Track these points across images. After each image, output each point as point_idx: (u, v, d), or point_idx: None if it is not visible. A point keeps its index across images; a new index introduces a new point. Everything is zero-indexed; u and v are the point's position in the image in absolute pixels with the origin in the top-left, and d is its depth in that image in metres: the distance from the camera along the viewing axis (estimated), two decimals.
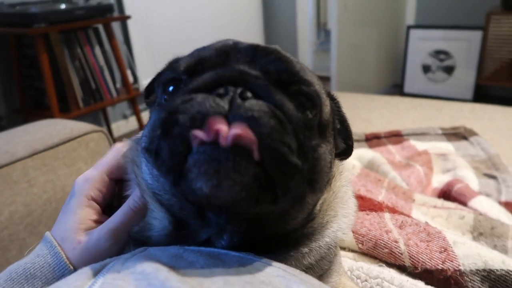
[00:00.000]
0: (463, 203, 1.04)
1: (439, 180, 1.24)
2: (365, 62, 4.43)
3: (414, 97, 2.25)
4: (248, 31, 4.62)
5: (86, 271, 0.41)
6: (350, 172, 0.60)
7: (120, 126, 3.55)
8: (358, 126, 1.73)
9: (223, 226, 0.44)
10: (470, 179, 1.21)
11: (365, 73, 4.47)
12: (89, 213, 0.52)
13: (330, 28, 4.36)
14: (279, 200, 0.40)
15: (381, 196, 0.92)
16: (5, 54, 2.63)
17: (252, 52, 0.45)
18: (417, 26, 4.15)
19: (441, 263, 0.68)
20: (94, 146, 1.07)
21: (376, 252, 0.74)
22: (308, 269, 0.49)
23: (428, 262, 0.69)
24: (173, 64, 0.49)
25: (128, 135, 0.58)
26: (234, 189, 0.36)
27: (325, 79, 4.50)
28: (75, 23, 2.53)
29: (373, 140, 1.56)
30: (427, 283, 0.66)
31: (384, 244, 0.73)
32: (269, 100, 0.40)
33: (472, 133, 1.56)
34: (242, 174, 0.36)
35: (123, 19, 3.17)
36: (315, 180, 0.44)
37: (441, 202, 1.02)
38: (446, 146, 1.49)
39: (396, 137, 1.58)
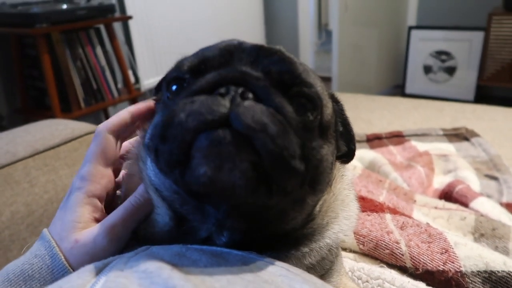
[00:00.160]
0: (464, 204, 1.04)
1: (440, 181, 1.24)
2: (366, 63, 4.43)
3: (415, 98, 2.24)
4: (249, 31, 4.62)
5: (88, 269, 0.41)
6: (352, 174, 0.60)
7: None
8: (359, 127, 1.73)
9: (222, 221, 0.44)
10: (471, 180, 1.21)
11: (366, 74, 4.47)
12: (89, 210, 0.50)
13: (331, 29, 4.36)
14: (273, 196, 0.40)
15: (382, 197, 0.92)
16: (7, 54, 2.64)
17: (256, 53, 0.45)
18: (419, 27, 4.15)
19: (442, 264, 0.68)
20: None
21: (377, 253, 0.74)
22: (309, 269, 0.50)
23: (429, 263, 0.69)
24: (179, 63, 0.49)
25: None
26: (234, 173, 0.37)
27: (326, 80, 4.50)
28: (76, 23, 2.53)
29: (374, 140, 1.56)
30: (428, 284, 0.66)
31: (385, 245, 0.73)
32: (268, 102, 0.40)
33: (474, 134, 1.56)
34: (241, 160, 0.37)
35: (125, 19, 3.17)
36: (317, 181, 0.45)
37: (442, 203, 1.02)
38: (447, 147, 1.49)
39: (397, 137, 1.58)
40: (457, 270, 0.67)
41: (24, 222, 0.90)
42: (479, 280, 0.66)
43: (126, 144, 0.57)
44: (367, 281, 0.66)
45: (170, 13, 3.68)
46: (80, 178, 0.51)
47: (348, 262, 0.70)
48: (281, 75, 0.43)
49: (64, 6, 2.48)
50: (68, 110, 2.60)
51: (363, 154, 1.32)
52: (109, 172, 0.53)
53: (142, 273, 0.38)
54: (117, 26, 3.25)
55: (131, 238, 0.50)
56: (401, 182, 1.16)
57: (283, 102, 0.41)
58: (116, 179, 0.56)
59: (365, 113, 1.93)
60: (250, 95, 0.40)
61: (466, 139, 1.55)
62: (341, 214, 0.53)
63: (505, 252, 0.79)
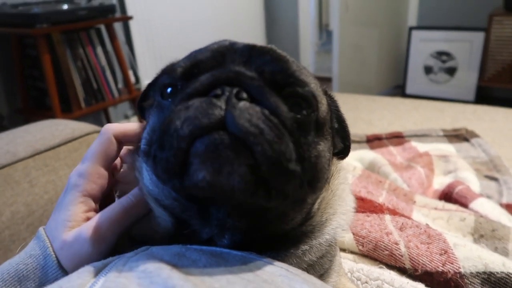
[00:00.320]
0: (464, 205, 1.04)
1: (440, 182, 1.24)
2: (367, 63, 4.43)
3: (415, 98, 2.24)
4: (250, 32, 4.62)
5: (88, 269, 0.41)
6: (347, 170, 0.60)
7: None
8: (359, 127, 1.73)
9: (224, 222, 0.44)
10: (471, 181, 1.21)
11: (366, 74, 4.46)
12: (82, 210, 0.49)
13: (332, 29, 4.36)
14: (272, 200, 0.40)
15: (381, 197, 0.92)
16: (7, 54, 2.64)
17: (248, 53, 0.45)
18: (419, 27, 4.15)
19: (442, 265, 0.68)
20: None
21: (376, 254, 0.74)
22: (309, 267, 0.50)
23: (429, 264, 0.69)
24: (169, 68, 0.49)
25: None
26: (233, 176, 0.37)
27: (327, 80, 4.50)
28: (77, 23, 2.54)
29: (374, 141, 1.56)
30: (427, 285, 0.66)
31: (384, 246, 0.73)
32: (263, 102, 0.40)
33: (474, 134, 1.56)
34: (239, 164, 0.37)
35: (125, 19, 3.18)
36: (316, 179, 0.45)
37: (442, 204, 1.02)
38: (448, 148, 1.49)
39: (397, 138, 1.58)
40: (456, 271, 0.67)
41: (24, 222, 0.90)
42: (478, 281, 0.66)
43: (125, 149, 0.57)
44: (366, 282, 0.66)
45: (171, 13, 3.69)
46: (77, 175, 0.51)
47: (348, 263, 0.70)
48: (274, 75, 0.43)
49: (65, 7, 2.49)
50: (68, 110, 2.60)
51: (363, 154, 1.32)
52: (106, 173, 0.52)
53: (141, 273, 0.38)
54: (118, 26, 3.25)
55: (128, 240, 0.50)
56: (401, 182, 1.16)
57: (278, 101, 0.41)
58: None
59: (366, 113, 1.93)
60: (245, 95, 0.40)
61: (466, 140, 1.55)
62: (339, 210, 0.53)
63: (505, 253, 0.79)
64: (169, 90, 0.45)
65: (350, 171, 1.06)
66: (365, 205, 0.85)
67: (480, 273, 0.66)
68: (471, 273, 0.67)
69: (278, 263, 0.43)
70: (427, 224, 0.79)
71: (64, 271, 0.47)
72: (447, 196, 1.12)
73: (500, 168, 1.32)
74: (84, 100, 2.69)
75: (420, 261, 0.69)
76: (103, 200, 0.54)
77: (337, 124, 0.54)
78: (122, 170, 0.58)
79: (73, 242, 0.47)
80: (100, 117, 3.29)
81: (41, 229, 0.51)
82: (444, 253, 0.70)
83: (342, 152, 0.56)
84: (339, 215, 0.53)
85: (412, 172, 1.23)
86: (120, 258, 0.43)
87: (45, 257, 0.47)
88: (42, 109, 2.68)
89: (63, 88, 2.55)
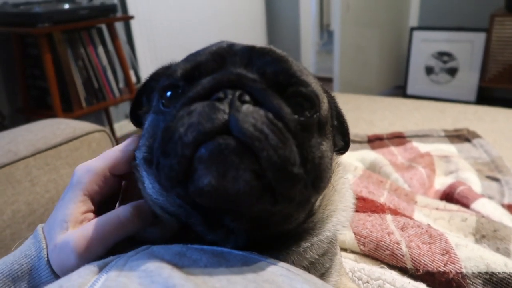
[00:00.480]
0: (466, 206, 1.04)
1: (441, 182, 1.24)
2: (368, 63, 4.42)
3: (416, 99, 2.24)
4: (251, 32, 4.62)
5: (89, 268, 0.41)
6: (346, 167, 0.60)
7: (123, 126, 3.56)
8: (360, 128, 1.73)
9: (228, 228, 0.44)
10: (473, 181, 1.21)
11: (368, 75, 4.46)
12: (81, 210, 0.48)
13: (333, 29, 4.36)
14: (278, 204, 0.40)
15: (383, 197, 0.92)
16: (9, 53, 2.64)
17: (248, 54, 0.44)
18: (420, 28, 4.14)
19: (443, 265, 0.68)
20: (96, 146, 1.08)
21: (377, 254, 0.73)
22: (310, 265, 0.50)
23: (430, 264, 0.68)
24: (164, 71, 0.48)
25: (130, 135, 0.57)
26: (238, 181, 0.37)
27: (328, 80, 4.50)
28: (78, 23, 2.54)
29: (375, 141, 1.56)
30: (428, 285, 0.66)
31: (385, 246, 0.73)
32: (266, 105, 0.40)
33: (475, 135, 1.55)
34: (244, 168, 0.37)
35: (126, 19, 3.18)
36: (320, 179, 0.45)
37: (443, 204, 1.01)
38: (449, 148, 1.49)
39: (398, 138, 1.58)
40: (458, 271, 0.67)
41: (25, 221, 0.90)
42: (480, 281, 0.66)
43: None
44: (367, 282, 0.65)
45: (172, 13, 3.69)
46: (84, 170, 0.49)
47: (349, 262, 0.70)
48: (276, 75, 0.43)
49: (66, 6, 2.49)
50: (69, 109, 2.60)
51: (364, 154, 1.32)
52: (113, 179, 0.51)
53: (142, 272, 0.38)
54: (119, 26, 3.25)
55: (128, 239, 0.48)
56: (402, 183, 1.16)
57: (281, 104, 0.41)
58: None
59: (367, 113, 1.93)
60: (248, 98, 0.40)
61: (468, 140, 1.55)
62: (339, 206, 0.53)
63: (506, 253, 0.79)
64: (168, 93, 0.44)
65: (351, 171, 1.06)
66: (366, 205, 0.85)
67: (482, 274, 0.66)
68: (473, 273, 0.66)
69: (279, 263, 0.43)
70: (428, 224, 0.79)
71: (56, 275, 0.46)
72: (449, 196, 1.12)
73: (502, 169, 1.32)
74: (85, 100, 2.69)
75: (422, 261, 0.69)
76: (101, 207, 0.52)
77: (336, 121, 0.54)
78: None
79: (61, 249, 0.45)
80: (101, 116, 3.29)
81: (39, 227, 0.49)
82: (446, 253, 0.70)
83: (342, 149, 0.56)
84: (339, 211, 0.53)
85: (414, 173, 1.22)
86: (121, 257, 0.42)
87: (39, 259, 0.46)
88: (43, 108, 2.69)
89: (64, 87, 2.56)
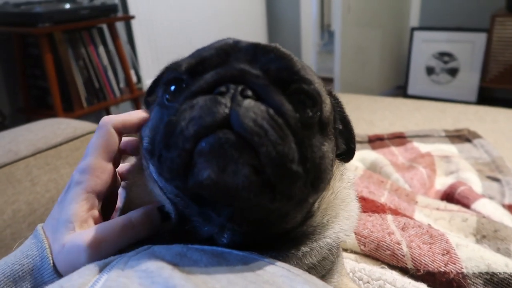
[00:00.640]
0: (466, 206, 1.04)
1: (442, 182, 1.24)
2: (368, 64, 4.42)
3: (417, 99, 2.24)
4: (252, 32, 4.62)
5: (89, 268, 0.41)
6: (353, 174, 0.59)
7: None
8: (361, 128, 1.73)
9: (224, 224, 0.44)
10: (474, 181, 1.21)
11: (368, 75, 4.46)
12: (84, 208, 0.47)
13: (334, 30, 4.36)
14: (276, 200, 0.40)
15: (383, 197, 0.92)
16: (9, 53, 2.64)
17: (252, 51, 0.45)
18: (421, 28, 4.14)
19: (444, 265, 0.68)
20: None
21: (378, 254, 0.73)
22: (310, 269, 0.49)
23: (431, 264, 0.68)
24: (174, 65, 0.48)
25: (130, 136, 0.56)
26: (237, 175, 0.37)
27: (329, 80, 4.50)
28: (79, 23, 2.54)
29: (376, 141, 1.56)
30: (429, 286, 0.66)
31: (386, 246, 0.73)
32: (268, 100, 0.40)
33: (476, 135, 1.55)
34: (243, 163, 0.37)
35: (127, 19, 3.18)
36: (319, 179, 0.45)
37: (444, 204, 1.01)
38: (450, 148, 1.49)
39: (399, 139, 1.57)
40: (459, 271, 0.67)
41: (25, 220, 0.91)
42: (481, 281, 0.66)
43: (125, 139, 0.55)
44: (368, 282, 0.65)
45: (173, 13, 3.69)
46: (80, 171, 0.49)
47: (349, 263, 0.70)
48: (279, 72, 0.43)
49: (67, 6, 2.49)
50: (70, 109, 2.60)
51: (364, 155, 1.32)
52: (110, 166, 0.50)
53: (143, 273, 0.38)
54: (120, 26, 3.25)
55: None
56: (403, 183, 1.16)
57: (283, 100, 0.41)
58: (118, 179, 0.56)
59: (367, 114, 1.93)
60: (250, 93, 0.40)
61: (468, 140, 1.54)
62: (342, 214, 0.53)
63: (507, 254, 0.79)
64: (173, 88, 0.45)
65: (352, 171, 1.06)
66: (367, 205, 0.85)
67: (482, 274, 0.66)
68: (474, 273, 0.66)
69: (280, 263, 0.43)
70: (429, 224, 0.79)
71: (60, 275, 0.45)
72: (449, 196, 1.12)
73: (503, 169, 1.32)
74: (86, 100, 2.69)
75: (422, 261, 0.69)
76: (110, 195, 0.53)
77: (342, 126, 0.54)
78: (124, 164, 0.57)
79: (70, 250, 0.45)
80: (102, 116, 3.27)
81: (39, 227, 0.49)
82: (447, 253, 0.70)
83: (346, 154, 0.55)
84: (341, 219, 0.53)
85: (414, 173, 1.22)
86: (122, 257, 0.42)
87: (41, 259, 0.46)
88: (43, 108, 2.69)
89: (65, 87, 2.56)
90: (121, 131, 0.52)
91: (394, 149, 1.49)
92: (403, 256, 0.71)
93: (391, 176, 1.19)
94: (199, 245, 0.44)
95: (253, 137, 0.37)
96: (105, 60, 2.81)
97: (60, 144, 1.01)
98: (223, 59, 0.45)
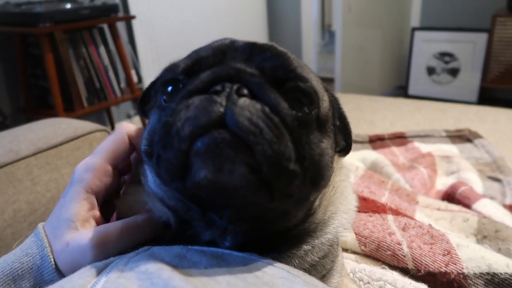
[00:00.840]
0: (467, 206, 1.04)
1: (443, 183, 1.24)
2: (369, 64, 4.42)
3: (418, 99, 2.24)
4: (252, 32, 4.62)
5: (89, 269, 0.41)
6: (349, 169, 0.59)
7: None
8: (361, 128, 1.73)
9: (225, 227, 0.44)
10: (474, 181, 1.21)
11: (369, 75, 4.46)
12: (85, 208, 0.48)
13: (335, 30, 4.36)
14: (275, 199, 0.40)
15: (384, 197, 0.92)
16: (10, 53, 2.64)
17: (249, 50, 0.45)
18: (422, 28, 4.14)
19: (445, 266, 0.68)
20: (97, 146, 1.08)
21: (378, 254, 0.73)
22: (311, 268, 0.49)
23: (431, 264, 0.68)
24: (171, 66, 0.49)
25: None
26: (234, 174, 0.37)
27: (329, 80, 4.50)
28: (80, 22, 2.54)
29: (376, 141, 1.56)
30: (430, 286, 0.66)
31: (387, 246, 0.73)
32: (264, 99, 0.40)
33: (477, 135, 1.55)
34: (240, 162, 0.37)
35: (128, 19, 3.18)
36: (320, 176, 0.45)
37: (445, 204, 1.01)
38: (450, 149, 1.49)
39: (400, 139, 1.57)
40: (459, 272, 0.67)
41: (26, 220, 0.91)
42: (482, 282, 0.66)
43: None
44: (368, 283, 0.65)
45: (173, 13, 3.69)
46: (84, 168, 0.50)
47: (350, 263, 0.70)
48: (275, 70, 0.43)
49: (68, 6, 2.49)
50: (71, 109, 2.60)
51: (365, 155, 1.31)
52: (113, 172, 0.51)
53: (142, 274, 0.38)
54: (121, 26, 3.26)
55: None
56: (404, 183, 1.16)
57: (278, 98, 0.41)
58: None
59: (368, 114, 1.92)
60: (245, 91, 0.40)
61: (469, 140, 1.54)
62: (341, 208, 0.53)
63: (508, 254, 0.79)
64: (170, 88, 0.45)
65: (353, 171, 1.06)
66: (367, 205, 0.85)
67: (483, 274, 0.66)
68: (475, 273, 0.66)
69: (279, 265, 0.43)
70: (430, 225, 0.79)
71: (61, 274, 0.46)
72: (450, 196, 1.12)
73: (504, 169, 1.32)
74: (87, 99, 2.69)
75: (423, 261, 0.69)
76: (108, 199, 0.53)
77: (339, 122, 0.54)
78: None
79: (75, 248, 0.45)
80: (103, 116, 3.30)
81: (40, 226, 0.49)
82: (447, 254, 0.69)
83: (344, 150, 0.55)
84: (340, 214, 0.53)
85: (415, 173, 1.22)
86: (121, 258, 0.42)
87: (42, 257, 0.46)
88: (44, 108, 2.69)
89: (66, 87, 2.56)
90: (133, 141, 0.53)
91: (395, 149, 1.49)
92: (404, 256, 0.70)
93: (392, 176, 1.19)
94: (198, 245, 0.44)
95: (249, 136, 0.37)
96: (106, 60, 2.81)
97: (61, 143, 1.01)
98: (219, 59, 0.44)
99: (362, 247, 0.74)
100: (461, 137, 1.57)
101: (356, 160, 1.26)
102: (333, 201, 0.53)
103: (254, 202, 0.40)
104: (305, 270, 0.48)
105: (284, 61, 0.44)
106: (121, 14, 3.12)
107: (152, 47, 3.59)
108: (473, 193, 1.09)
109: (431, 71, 4.15)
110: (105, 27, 2.86)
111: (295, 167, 0.40)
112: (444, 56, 4.04)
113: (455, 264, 0.67)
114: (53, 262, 0.46)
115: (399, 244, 0.72)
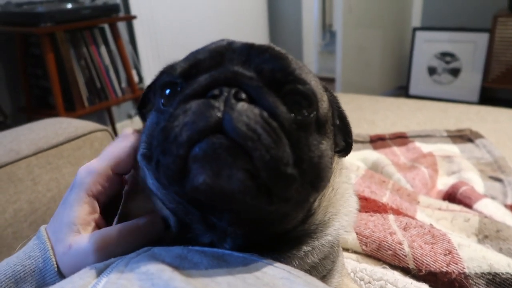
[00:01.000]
0: (468, 206, 1.03)
1: (444, 182, 1.24)
2: (370, 64, 4.42)
3: (419, 99, 2.24)
4: (253, 32, 4.62)
5: (90, 270, 0.41)
6: (350, 169, 0.59)
7: (125, 126, 3.56)
8: (362, 128, 1.73)
9: (225, 229, 0.44)
10: (476, 181, 1.21)
11: (370, 75, 4.46)
12: (86, 211, 0.48)
13: (335, 30, 4.36)
14: (273, 203, 0.40)
15: (385, 197, 0.92)
16: (11, 53, 2.65)
17: (246, 52, 0.44)
18: (423, 28, 4.14)
19: (446, 265, 0.67)
20: (98, 145, 1.08)
21: (380, 254, 0.73)
22: (312, 269, 0.49)
23: (433, 264, 0.68)
24: (168, 69, 0.48)
25: None
26: (232, 179, 0.37)
27: (330, 81, 4.49)
28: (81, 22, 2.54)
29: (377, 141, 1.56)
30: (431, 286, 0.65)
31: (388, 246, 0.73)
32: (262, 103, 0.40)
33: (478, 135, 1.55)
34: (237, 167, 0.37)
35: (129, 19, 3.19)
36: (319, 178, 0.44)
37: (446, 204, 1.01)
38: (452, 148, 1.48)
39: (401, 138, 1.57)
40: (461, 271, 0.66)
41: (27, 220, 0.91)
42: (483, 282, 0.66)
43: None
44: (369, 282, 0.65)
45: (174, 13, 3.69)
46: (86, 172, 0.49)
47: (351, 263, 0.70)
48: (273, 73, 0.43)
49: (69, 6, 2.49)
50: (71, 109, 2.61)
51: (366, 154, 1.31)
52: (116, 178, 0.51)
53: (143, 275, 0.38)
54: (121, 26, 3.26)
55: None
56: (405, 183, 1.16)
57: (277, 102, 0.41)
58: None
59: (369, 114, 1.92)
60: (243, 95, 0.39)
61: (470, 140, 1.54)
62: (341, 210, 0.53)
63: (510, 254, 0.79)
64: (167, 91, 0.45)
65: (354, 171, 1.06)
66: (368, 205, 0.85)
67: (485, 274, 0.66)
68: (476, 273, 0.66)
69: (280, 265, 0.43)
70: (431, 224, 0.79)
71: (63, 277, 0.46)
72: (451, 196, 1.12)
73: (505, 169, 1.32)
74: (88, 99, 2.69)
75: (424, 261, 0.69)
76: (106, 207, 0.53)
77: (339, 121, 0.54)
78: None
79: (77, 251, 0.45)
80: (103, 116, 3.30)
81: (42, 228, 0.49)
82: (449, 254, 0.69)
83: (344, 150, 0.55)
84: (341, 216, 0.52)
85: (416, 173, 1.22)
86: (122, 259, 0.42)
87: (44, 260, 0.46)
88: (45, 108, 2.69)
89: (67, 87, 2.56)
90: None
91: (396, 149, 1.49)
92: (405, 256, 0.70)
93: (392, 176, 1.18)
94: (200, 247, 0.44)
95: (247, 141, 0.37)
96: (107, 60, 2.82)
97: (62, 143, 1.01)
98: (217, 61, 0.44)
99: (363, 247, 0.74)
100: (462, 137, 1.57)
101: (357, 160, 1.26)
102: (333, 202, 0.52)
103: (253, 206, 0.40)
104: (306, 271, 0.48)
105: (282, 63, 0.44)
106: (122, 14, 3.12)
107: (153, 47, 3.59)
108: (474, 193, 1.09)
109: (432, 71, 4.15)
110: (106, 27, 2.86)
111: (293, 171, 0.39)
112: (445, 56, 4.04)
113: (456, 264, 0.67)
114: (56, 265, 0.46)
115: (400, 243, 0.72)
